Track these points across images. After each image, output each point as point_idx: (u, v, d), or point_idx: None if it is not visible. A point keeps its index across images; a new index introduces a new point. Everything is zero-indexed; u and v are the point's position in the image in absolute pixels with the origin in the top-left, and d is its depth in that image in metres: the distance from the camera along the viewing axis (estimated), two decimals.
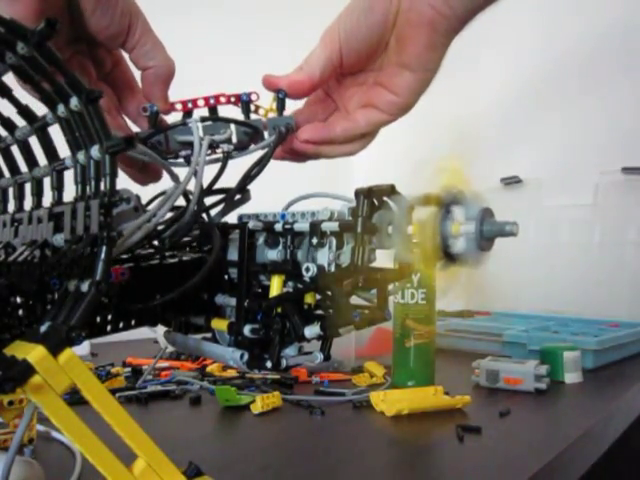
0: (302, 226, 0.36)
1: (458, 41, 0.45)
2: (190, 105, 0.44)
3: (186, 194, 0.39)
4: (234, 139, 0.44)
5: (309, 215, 0.37)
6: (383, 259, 0.35)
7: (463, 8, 0.43)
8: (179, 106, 0.44)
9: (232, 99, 0.44)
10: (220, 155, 0.42)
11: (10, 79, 0.29)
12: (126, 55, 0.44)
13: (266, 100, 0.46)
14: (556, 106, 1.27)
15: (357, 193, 0.34)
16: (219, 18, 1.13)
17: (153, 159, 0.39)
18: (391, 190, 0.34)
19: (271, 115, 0.46)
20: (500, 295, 1.18)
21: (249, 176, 0.40)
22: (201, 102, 0.44)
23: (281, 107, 0.45)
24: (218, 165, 0.42)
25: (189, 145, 0.42)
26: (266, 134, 0.45)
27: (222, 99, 0.44)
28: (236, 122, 0.44)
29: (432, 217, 0.30)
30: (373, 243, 0.34)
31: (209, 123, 0.44)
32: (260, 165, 0.41)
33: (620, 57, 1.20)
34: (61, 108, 0.28)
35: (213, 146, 0.42)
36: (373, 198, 0.34)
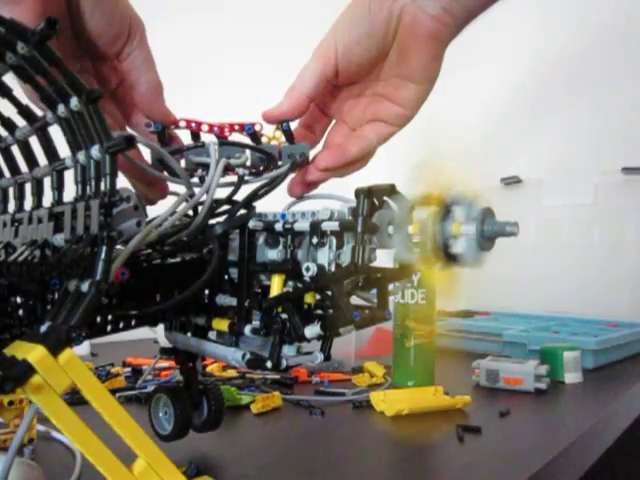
0: (302, 226, 0.36)
1: (457, 41, 0.45)
2: (194, 125, 0.44)
3: (194, 206, 0.39)
4: (248, 163, 0.45)
5: (309, 215, 0.37)
6: (383, 259, 0.35)
7: (463, 16, 0.42)
8: (183, 123, 0.44)
9: (236, 127, 0.44)
10: (233, 179, 0.42)
11: (10, 79, 0.29)
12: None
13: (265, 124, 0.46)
14: (556, 106, 1.27)
15: (357, 192, 0.34)
16: (217, 20, 1.13)
17: (176, 175, 0.39)
18: (391, 190, 0.34)
19: (274, 142, 0.46)
20: (500, 295, 1.18)
21: (256, 194, 0.40)
22: (205, 127, 0.44)
23: (290, 136, 0.45)
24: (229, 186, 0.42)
25: (203, 166, 0.42)
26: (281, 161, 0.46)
27: (226, 129, 0.44)
28: (252, 148, 0.44)
29: (433, 217, 0.30)
30: (373, 243, 0.34)
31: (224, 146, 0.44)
32: (270, 187, 0.41)
33: (620, 56, 1.20)
34: (61, 108, 0.28)
35: (228, 169, 0.43)
36: (373, 197, 0.33)
